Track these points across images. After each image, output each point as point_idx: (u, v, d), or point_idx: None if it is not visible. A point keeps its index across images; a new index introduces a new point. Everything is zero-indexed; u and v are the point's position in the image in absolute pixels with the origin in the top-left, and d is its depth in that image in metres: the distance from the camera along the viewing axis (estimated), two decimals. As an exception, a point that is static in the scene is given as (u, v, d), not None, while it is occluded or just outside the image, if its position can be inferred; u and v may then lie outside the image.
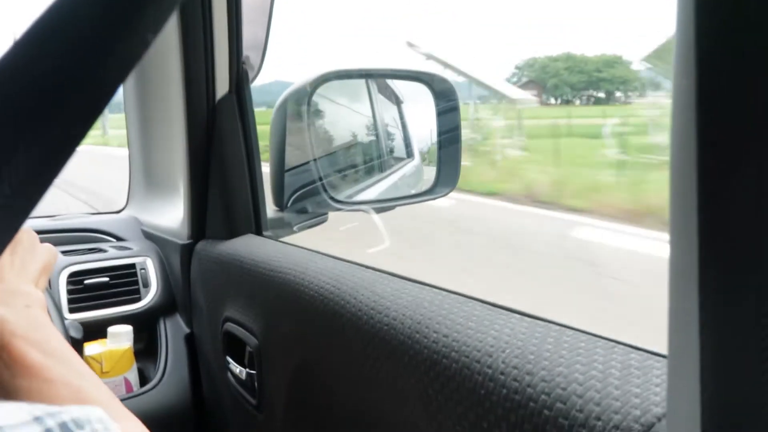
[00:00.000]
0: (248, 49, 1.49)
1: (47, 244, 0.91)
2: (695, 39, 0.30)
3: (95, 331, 1.42)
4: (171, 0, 0.35)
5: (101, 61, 0.33)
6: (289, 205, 1.50)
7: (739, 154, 0.30)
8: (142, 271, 1.61)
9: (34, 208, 0.34)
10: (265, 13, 1.48)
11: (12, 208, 0.32)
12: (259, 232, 1.50)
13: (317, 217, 1.55)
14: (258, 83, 1.55)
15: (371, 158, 1.90)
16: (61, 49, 0.32)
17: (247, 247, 1.38)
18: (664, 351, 0.42)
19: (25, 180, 0.32)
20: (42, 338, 0.72)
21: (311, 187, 1.48)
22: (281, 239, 1.47)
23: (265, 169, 1.53)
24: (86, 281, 1.51)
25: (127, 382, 1.44)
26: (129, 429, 0.70)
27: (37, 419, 0.43)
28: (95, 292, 1.52)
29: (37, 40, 0.32)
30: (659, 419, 0.56)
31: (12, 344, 0.69)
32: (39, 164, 0.32)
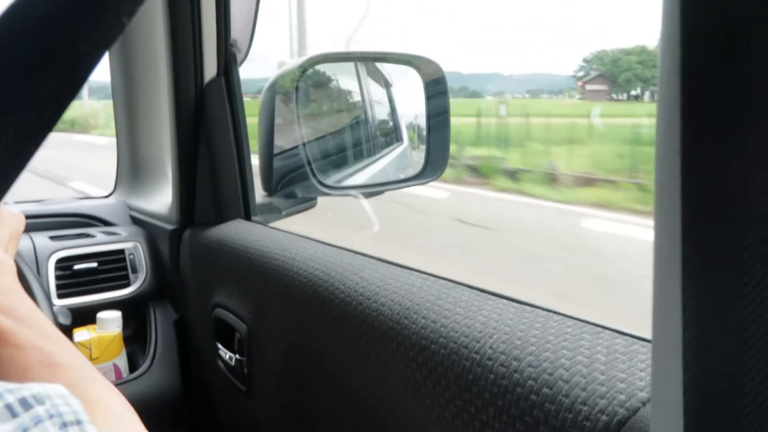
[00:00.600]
0: (236, 32, 1.48)
1: (15, 210, 0.90)
2: (680, 39, 0.30)
3: (84, 317, 1.42)
4: None
5: (74, 44, 0.32)
6: (278, 189, 1.49)
7: (720, 145, 0.30)
8: (131, 256, 1.60)
9: (5, 194, 0.33)
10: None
11: None
12: (248, 217, 1.49)
13: (306, 202, 1.55)
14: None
15: (360, 142, 1.90)
16: (32, 32, 0.31)
17: (236, 232, 1.37)
18: (650, 336, 0.42)
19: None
20: (11, 304, 0.71)
21: (300, 171, 1.47)
22: (270, 224, 1.46)
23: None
24: (75, 267, 1.51)
25: (116, 368, 1.44)
26: (104, 396, 0.70)
27: None
28: (84, 277, 1.52)
29: (8, 22, 0.31)
30: (644, 404, 0.56)
31: None
32: (12, 148, 0.32)
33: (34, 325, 0.72)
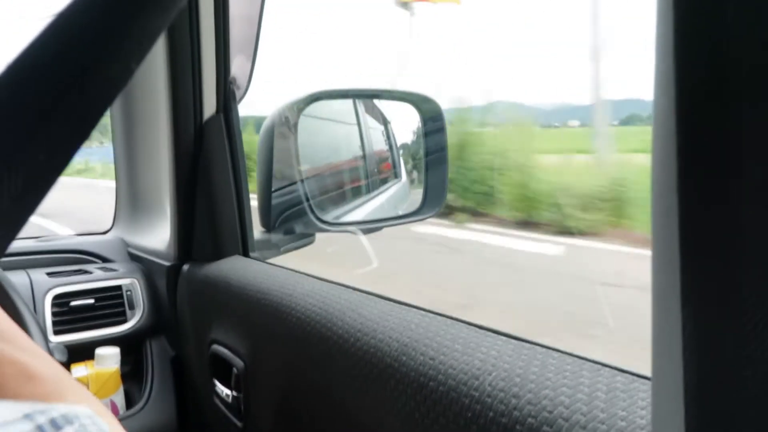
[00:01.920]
0: (235, 69, 1.50)
1: None
2: (674, 49, 0.31)
3: (81, 353, 1.41)
4: (155, 28, 0.35)
5: (84, 90, 0.33)
6: (276, 226, 1.49)
7: (720, 168, 0.30)
8: (128, 293, 1.60)
9: (14, 238, 0.33)
10: (252, 31, 1.48)
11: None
12: (246, 253, 1.49)
13: (304, 239, 1.55)
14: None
15: (358, 179, 1.90)
16: (43, 78, 0.32)
17: (234, 268, 1.37)
18: (650, 374, 0.42)
19: (7, 210, 0.32)
20: None
21: (298, 208, 1.48)
22: (268, 260, 1.46)
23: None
24: (72, 303, 1.50)
25: (113, 404, 1.43)
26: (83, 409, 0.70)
27: (27, 416, 0.43)
28: (81, 314, 1.51)
29: (19, 68, 0.32)
30: None
31: None
32: (22, 193, 0.32)
33: (9, 338, 0.71)
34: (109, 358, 1.43)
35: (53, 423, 0.44)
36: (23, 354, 0.70)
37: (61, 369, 0.72)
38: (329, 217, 1.58)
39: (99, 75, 0.33)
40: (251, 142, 1.62)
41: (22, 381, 0.68)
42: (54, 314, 1.48)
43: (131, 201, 1.86)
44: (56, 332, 1.47)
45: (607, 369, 0.68)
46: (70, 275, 1.59)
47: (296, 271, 1.25)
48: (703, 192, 0.31)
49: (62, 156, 0.33)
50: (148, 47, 0.35)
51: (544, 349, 0.75)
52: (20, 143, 0.31)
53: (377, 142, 1.99)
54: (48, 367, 0.71)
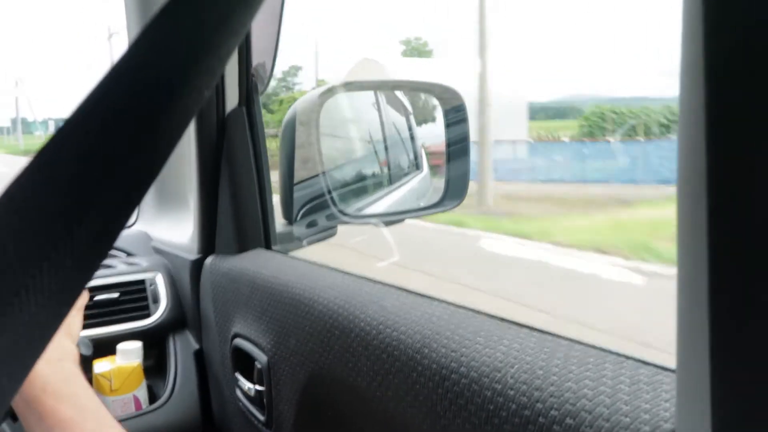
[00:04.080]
0: (257, 62, 1.50)
1: None
2: (703, 42, 0.30)
3: (104, 347, 1.42)
4: (226, 50, 0.34)
5: (156, 122, 0.32)
6: (298, 218, 1.49)
7: (749, 154, 0.30)
8: (152, 287, 1.61)
9: (92, 276, 0.33)
10: (275, 23, 1.48)
11: (73, 280, 0.32)
12: (268, 246, 1.50)
13: (326, 231, 1.55)
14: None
15: (380, 171, 1.90)
16: (115, 112, 0.31)
17: (257, 261, 1.37)
18: (674, 366, 0.41)
19: (86, 250, 0.32)
20: (73, 392, 0.73)
21: (320, 200, 1.48)
22: (290, 253, 1.46)
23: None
24: (96, 297, 1.51)
25: (136, 399, 1.44)
26: None
27: None
28: (105, 308, 1.52)
29: (97, 104, 0.31)
30: None
31: (41, 399, 0.70)
32: (99, 233, 0.32)
33: (95, 414, 0.72)
34: (131, 353, 1.43)
35: None
36: (79, 414, 0.72)
37: None
38: (351, 209, 1.58)
39: (171, 105, 0.32)
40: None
41: None
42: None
43: (155, 195, 1.87)
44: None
45: (630, 361, 0.68)
46: None
47: (318, 264, 1.25)
48: (731, 183, 0.30)
49: (136, 192, 0.33)
50: (219, 70, 0.34)
51: (567, 342, 0.74)
52: (95, 181, 0.31)
53: (399, 133, 1.98)
54: None
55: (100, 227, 0.32)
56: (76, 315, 0.86)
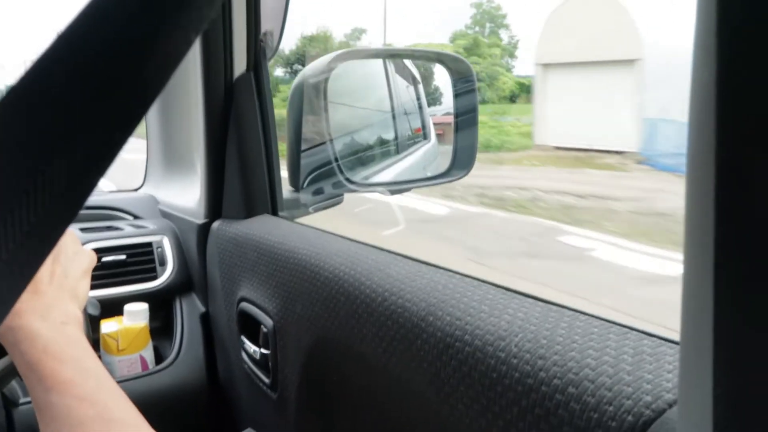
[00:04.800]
0: (266, 27, 1.49)
1: (88, 249, 0.91)
2: (716, 29, 0.30)
3: (112, 308, 1.43)
4: None
5: (143, 62, 0.31)
6: (304, 185, 1.50)
7: (758, 150, 0.30)
8: (159, 249, 1.62)
9: (74, 217, 0.33)
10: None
11: (52, 217, 0.31)
12: (275, 212, 1.50)
13: (332, 198, 1.55)
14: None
15: (387, 139, 1.90)
16: (98, 55, 0.30)
17: (263, 227, 1.38)
18: (677, 337, 0.42)
19: (66, 187, 0.31)
20: (76, 355, 0.73)
21: (327, 168, 1.48)
22: (296, 220, 1.47)
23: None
24: (104, 259, 1.52)
25: (142, 359, 1.45)
26: None
27: None
28: (112, 269, 1.53)
29: (78, 41, 0.30)
30: (670, 405, 0.56)
31: (42, 361, 0.70)
32: (80, 171, 0.31)
33: (95, 377, 0.73)
34: (138, 314, 1.45)
35: None
36: (105, 394, 0.72)
37: (136, 411, 0.74)
38: (358, 177, 1.58)
39: (157, 46, 0.32)
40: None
41: (101, 422, 0.70)
42: (86, 269, 1.50)
43: (162, 159, 1.88)
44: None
45: (634, 333, 0.68)
46: (102, 231, 1.61)
47: (324, 231, 1.26)
48: (737, 162, 0.31)
49: (119, 134, 0.32)
50: (210, 14, 0.33)
51: (571, 312, 0.75)
52: (77, 121, 0.30)
53: (407, 103, 1.98)
54: (125, 410, 0.73)
55: (82, 166, 0.31)
56: (83, 279, 0.87)
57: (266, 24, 1.49)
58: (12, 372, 0.85)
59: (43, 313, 0.75)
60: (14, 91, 0.30)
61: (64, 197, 0.31)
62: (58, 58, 0.30)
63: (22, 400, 1.27)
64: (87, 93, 0.31)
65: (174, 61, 0.33)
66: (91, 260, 0.91)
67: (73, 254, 0.87)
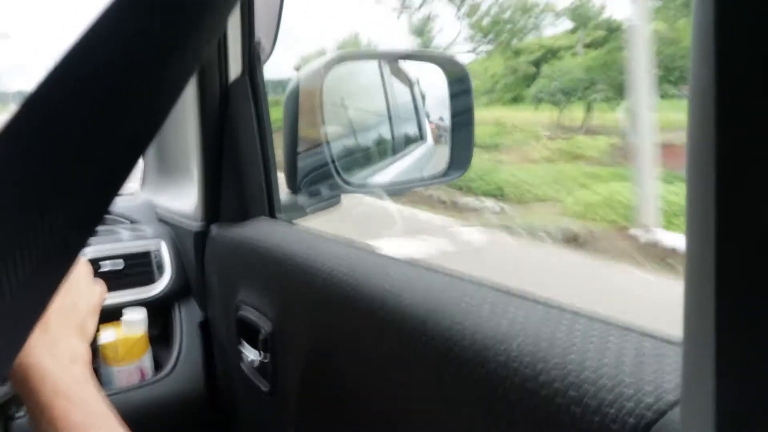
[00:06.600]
0: (260, 31, 1.49)
1: (99, 285, 0.90)
2: (714, 27, 0.30)
3: (109, 316, 1.43)
4: (224, 11, 0.33)
5: (155, 80, 0.31)
6: (301, 187, 1.50)
7: (757, 144, 0.30)
8: (157, 257, 1.61)
9: (88, 240, 0.32)
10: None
11: (66, 240, 0.31)
12: (272, 214, 1.50)
13: (330, 200, 1.55)
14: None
15: (384, 141, 1.90)
16: (112, 69, 0.30)
17: (261, 230, 1.38)
18: (678, 338, 0.42)
19: (81, 208, 0.30)
20: (84, 397, 0.73)
21: (324, 169, 1.48)
22: (294, 222, 1.46)
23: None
24: (101, 269, 1.52)
25: (141, 368, 1.45)
26: None
27: None
28: (110, 277, 1.53)
29: (86, 59, 0.30)
30: (671, 407, 0.55)
31: (54, 403, 0.70)
32: (94, 192, 0.31)
33: (106, 421, 0.73)
34: (136, 322, 1.44)
35: None
36: (89, 418, 0.72)
37: None
38: (355, 178, 1.58)
39: (168, 64, 0.31)
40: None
41: None
42: (83, 277, 1.50)
43: (159, 163, 1.87)
44: (86, 295, 1.48)
45: (635, 334, 0.68)
46: (99, 236, 1.61)
47: (322, 234, 1.26)
48: (741, 151, 0.30)
49: (132, 153, 0.31)
50: (219, 30, 0.33)
51: (571, 314, 0.75)
52: (92, 139, 0.29)
53: (403, 104, 1.98)
54: None
55: (96, 186, 0.31)
56: (91, 316, 0.85)
57: (261, 29, 1.49)
58: (15, 401, 0.84)
59: (50, 347, 0.74)
60: (32, 110, 0.29)
61: (80, 218, 0.31)
62: (67, 80, 0.30)
63: (18, 414, 1.26)
64: (105, 104, 0.30)
65: (183, 79, 0.32)
66: (101, 297, 0.89)
67: (84, 288, 0.86)
